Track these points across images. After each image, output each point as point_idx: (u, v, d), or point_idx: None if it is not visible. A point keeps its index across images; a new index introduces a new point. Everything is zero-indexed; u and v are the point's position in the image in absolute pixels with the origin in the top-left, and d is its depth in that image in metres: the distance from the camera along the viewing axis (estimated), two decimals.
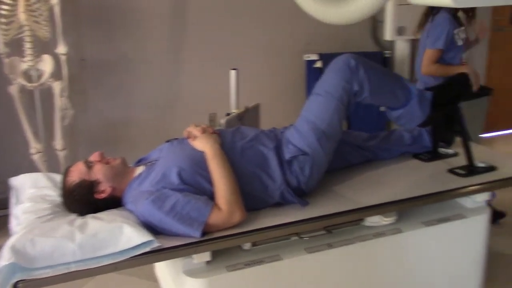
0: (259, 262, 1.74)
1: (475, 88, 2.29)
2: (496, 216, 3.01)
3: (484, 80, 4.62)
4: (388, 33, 3.62)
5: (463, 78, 2.15)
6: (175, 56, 3.56)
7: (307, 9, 1.97)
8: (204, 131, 1.85)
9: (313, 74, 3.74)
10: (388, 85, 1.97)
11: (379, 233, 1.91)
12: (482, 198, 2.07)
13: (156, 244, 1.53)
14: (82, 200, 1.73)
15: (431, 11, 2.81)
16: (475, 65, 4.48)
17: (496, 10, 4.51)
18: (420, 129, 2.28)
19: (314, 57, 3.73)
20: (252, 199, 1.77)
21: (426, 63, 2.84)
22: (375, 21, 3.98)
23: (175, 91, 3.62)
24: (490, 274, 2.53)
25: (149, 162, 1.83)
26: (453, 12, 2.71)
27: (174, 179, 1.68)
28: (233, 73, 2.63)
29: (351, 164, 2.18)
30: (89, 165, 1.76)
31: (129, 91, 3.54)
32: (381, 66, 2.05)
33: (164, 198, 1.61)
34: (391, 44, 3.96)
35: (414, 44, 3.86)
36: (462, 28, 2.81)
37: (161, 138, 2.07)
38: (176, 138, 1.92)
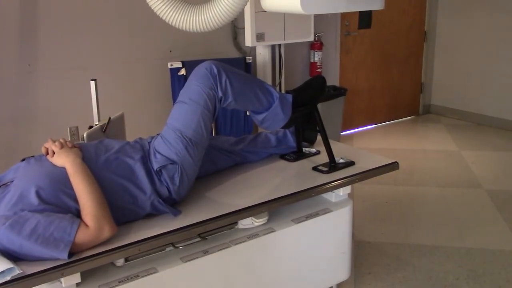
0: (134, 277, 1.68)
1: None
2: None
3: (338, 81, 4.95)
4: (248, 39, 3.72)
5: (320, 81, 2.28)
6: (28, 67, 3.32)
7: (167, 18, 1.95)
8: (62, 145, 1.75)
9: (178, 82, 3.72)
10: (251, 90, 2.02)
11: (253, 234, 1.95)
12: (344, 192, 2.21)
13: (17, 272, 1.41)
14: None
15: None
16: (329, 67, 4.80)
17: (345, 16, 4.86)
18: (284, 130, 2.37)
19: (177, 64, 3.72)
20: (122, 211, 1.72)
21: None
22: (235, 28, 4.07)
23: (30, 104, 3.38)
24: (356, 261, 2.71)
25: (3, 184, 1.68)
26: None
27: (33, 199, 1.56)
28: (92, 83, 2.52)
29: (221, 168, 2.20)
30: None
31: None
32: (243, 72, 2.09)
33: (23, 221, 1.49)
34: (252, 49, 4.08)
35: (273, 50, 4.02)
36: None
37: (17, 156, 1.92)
38: (33, 156, 1.79)
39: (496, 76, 5.16)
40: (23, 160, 1.78)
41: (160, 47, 3.80)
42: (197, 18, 1.78)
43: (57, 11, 3.35)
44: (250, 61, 3.97)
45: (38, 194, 1.58)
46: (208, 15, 1.75)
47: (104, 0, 3.51)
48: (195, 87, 1.90)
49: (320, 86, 2.26)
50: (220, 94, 1.91)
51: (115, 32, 3.60)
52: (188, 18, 1.80)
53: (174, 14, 1.89)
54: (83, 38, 3.47)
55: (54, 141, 1.77)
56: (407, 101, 5.74)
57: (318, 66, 4.56)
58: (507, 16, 4.96)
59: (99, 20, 3.52)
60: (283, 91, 4.00)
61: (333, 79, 4.86)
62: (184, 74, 3.68)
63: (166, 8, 1.91)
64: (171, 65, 3.72)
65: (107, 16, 3.54)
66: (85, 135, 2.18)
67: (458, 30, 5.41)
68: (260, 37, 3.70)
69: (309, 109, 2.22)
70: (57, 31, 3.37)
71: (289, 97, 2.14)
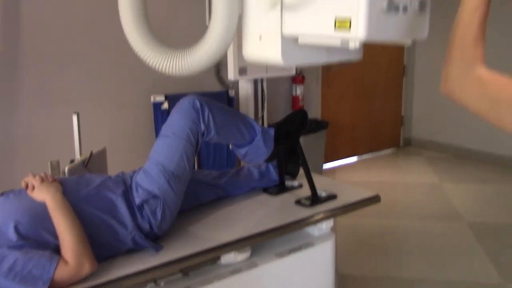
0: None
1: None
2: None
3: (320, 115, 5.01)
4: (231, 73, 3.76)
5: (301, 114, 2.30)
6: (8, 101, 3.30)
7: (149, 62, 1.96)
8: (43, 180, 1.73)
9: (161, 116, 3.72)
10: (233, 124, 2.03)
11: (236, 269, 1.93)
12: (327, 225, 2.20)
13: None
14: None
15: None
16: (311, 101, 4.85)
17: None
18: (267, 164, 2.38)
19: (160, 98, 3.73)
20: (102, 247, 1.69)
21: None
22: (218, 62, 4.12)
23: (10, 138, 3.34)
24: None
25: None
26: None
27: (11, 235, 1.53)
28: (75, 117, 2.51)
29: (203, 202, 2.19)
30: None
31: None
32: (226, 106, 2.11)
33: (0, 259, 1.46)
34: (234, 83, 4.12)
35: (256, 84, 4.06)
36: None
37: None
38: (12, 190, 1.76)
39: None
40: (1, 194, 1.75)
41: (143, 80, 3.81)
42: (181, 62, 1.80)
43: (40, 44, 3.36)
44: (233, 95, 4.00)
45: (16, 230, 1.55)
46: (190, 59, 1.78)
47: (88, 34, 3.53)
48: (178, 121, 1.91)
49: (302, 120, 2.29)
50: (202, 128, 1.92)
51: (98, 66, 3.61)
52: (171, 62, 1.83)
53: (156, 57, 1.90)
54: (65, 71, 3.47)
55: (34, 176, 1.75)
56: (388, 134, 5.82)
57: (300, 100, 4.61)
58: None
59: (82, 53, 3.53)
60: (265, 124, 4.03)
61: (315, 112, 4.92)
62: (167, 108, 3.69)
63: (150, 52, 1.92)
64: (154, 98, 3.73)
65: (90, 50, 3.56)
66: (66, 170, 2.16)
67: (437, 64, 5.50)
68: (242, 71, 3.75)
69: (291, 142, 2.24)
70: (40, 64, 3.37)
71: (271, 131, 2.15)
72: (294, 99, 4.63)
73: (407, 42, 1.56)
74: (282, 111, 4.56)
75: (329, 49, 1.66)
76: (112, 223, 1.74)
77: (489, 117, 1.07)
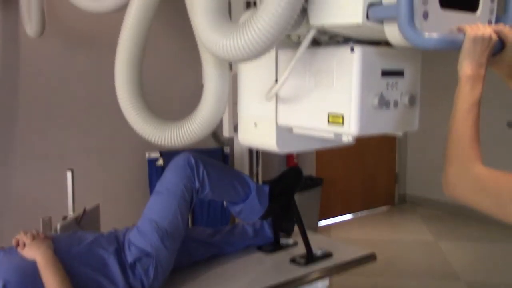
0: None
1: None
2: None
3: (314, 172, 5.01)
4: (226, 130, 3.78)
5: (296, 171, 2.31)
6: (3, 156, 3.29)
7: (144, 135, 2.00)
8: (34, 237, 1.71)
9: (155, 172, 3.72)
10: (228, 181, 2.04)
11: None
12: (322, 284, 2.16)
13: None
14: None
15: None
16: (305, 158, 4.86)
17: None
18: (262, 221, 2.36)
19: (155, 155, 3.73)
20: None
21: None
22: None
23: (2, 194, 3.31)
24: None
25: None
26: None
27: None
28: (69, 174, 2.51)
29: (197, 260, 2.16)
30: None
31: None
32: (220, 163, 2.13)
33: None
34: (229, 140, 4.14)
35: None
36: None
37: None
38: (3, 248, 1.74)
39: None
40: None
41: (138, 137, 3.80)
42: (172, 135, 1.84)
43: (35, 99, 3.38)
44: (228, 151, 4.02)
45: None
46: (183, 132, 1.82)
47: (81, 91, 3.56)
48: (173, 178, 1.92)
49: (296, 177, 2.29)
50: (197, 185, 1.92)
51: (92, 122, 3.62)
52: (164, 134, 1.87)
53: (149, 129, 1.94)
54: (60, 127, 3.48)
55: (26, 233, 1.73)
56: (382, 191, 5.81)
57: (295, 157, 4.63)
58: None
59: (76, 109, 3.55)
60: (260, 181, 4.02)
61: (309, 169, 4.92)
62: (162, 164, 3.69)
63: (142, 124, 1.96)
64: (149, 155, 3.73)
65: (84, 106, 3.59)
66: (58, 227, 2.13)
67: (430, 122, 5.58)
68: (237, 128, 3.77)
69: (286, 200, 2.23)
70: (34, 119, 3.38)
71: (266, 188, 2.15)
72: (289, 156, 4.65)
73: (398, 134, 1.62)
74: (277, 168, 4.57)
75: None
76: (103, 282, 1.71)
77: (496, 214, 1.08)
